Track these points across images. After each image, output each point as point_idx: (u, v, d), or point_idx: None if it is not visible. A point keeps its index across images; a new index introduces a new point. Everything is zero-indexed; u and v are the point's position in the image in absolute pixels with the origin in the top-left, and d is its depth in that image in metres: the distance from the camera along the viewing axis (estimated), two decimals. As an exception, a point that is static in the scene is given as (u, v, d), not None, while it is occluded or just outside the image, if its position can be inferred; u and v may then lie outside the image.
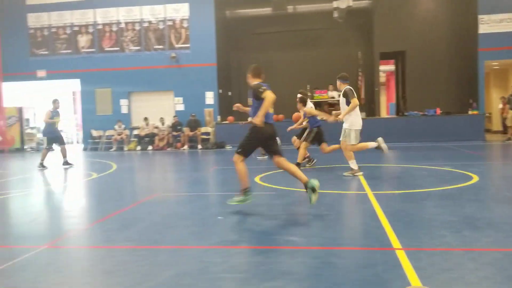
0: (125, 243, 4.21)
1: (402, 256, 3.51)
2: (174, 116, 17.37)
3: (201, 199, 6.71)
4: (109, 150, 17.43)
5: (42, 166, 11.00)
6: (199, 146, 16.76)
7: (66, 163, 11.34)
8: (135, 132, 17.75)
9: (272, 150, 5.47)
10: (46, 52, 18.43)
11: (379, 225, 4.48)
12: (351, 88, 7.92)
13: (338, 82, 8.09)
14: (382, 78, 23.60)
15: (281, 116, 17.31)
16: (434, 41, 17.48)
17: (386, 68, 22.91)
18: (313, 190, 4.99)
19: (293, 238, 4.18)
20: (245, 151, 5.41)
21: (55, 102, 11.55)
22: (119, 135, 17.51)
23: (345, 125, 7.93)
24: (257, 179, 8.01)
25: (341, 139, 8.06)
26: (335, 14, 16.96)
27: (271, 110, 5.37)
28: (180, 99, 17.72)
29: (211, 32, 17.33)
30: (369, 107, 18.55)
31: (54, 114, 11.42)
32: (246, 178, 5.38)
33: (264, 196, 6.47)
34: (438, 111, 16.31)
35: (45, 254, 3.98)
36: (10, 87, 19.02)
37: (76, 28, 18.20)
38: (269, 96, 5.15)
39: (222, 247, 4.04)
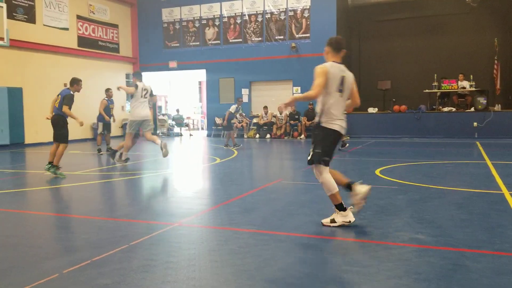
0: (248, 226, 4.39)
1: (548, 266, 3.15)
2: (292, 106, 17.57)
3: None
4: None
5: (99, 151, 11.89)
6: (316, 136, 16.71)
7: (110, 149, 11.56)
8: (255, 120, 18.32)
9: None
10: (177, 45, 19.84)
11: (519, 230, 4.06)
12: (137, 85, 9.04)
13: (133, 78, 9.12)
14: (522, 66, 21.15)
15: (403, 107, 16.52)
16: None
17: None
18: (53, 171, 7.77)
19: (419, 236, 3.97)
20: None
21: (108, 91, 12.33)
22: (239, 123, 18.22)
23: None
24: (377, 172, 7.77)
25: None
26: (469, -2, 15.72)
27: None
28: (298, 88, 17.83)
29: (332, 20, 17.07)
30: (506, 98, 16.85)
31: (110, 102, 12.20)
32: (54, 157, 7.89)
33: (385, 190, 6.25)
34: None
35: (177, 231, 4.32)
36: (145, 77, 20.82)
37: (204, 22, 19.28)
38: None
39: (342, 239, 4.00)
